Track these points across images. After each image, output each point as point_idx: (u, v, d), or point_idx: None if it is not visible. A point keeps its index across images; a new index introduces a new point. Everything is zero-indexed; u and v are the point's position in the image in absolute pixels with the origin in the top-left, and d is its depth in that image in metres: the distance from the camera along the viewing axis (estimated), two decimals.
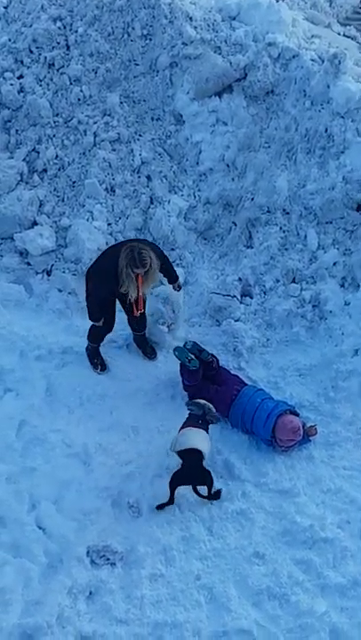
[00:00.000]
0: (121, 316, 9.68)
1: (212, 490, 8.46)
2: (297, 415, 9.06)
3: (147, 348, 9.93)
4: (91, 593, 7.82)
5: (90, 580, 7.86)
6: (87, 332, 9.70)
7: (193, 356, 9.27)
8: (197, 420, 8.66)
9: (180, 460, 8.43)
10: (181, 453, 8.43)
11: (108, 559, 8.04)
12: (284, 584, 7.85)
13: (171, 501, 8.40)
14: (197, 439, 8.47)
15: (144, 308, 9.43)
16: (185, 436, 8.51)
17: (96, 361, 9.76)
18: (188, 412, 8.77)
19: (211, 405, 8.79)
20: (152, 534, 8.24)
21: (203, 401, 8.82)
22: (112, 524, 8.31)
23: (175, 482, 8.39)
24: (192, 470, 8.40)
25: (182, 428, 8.62)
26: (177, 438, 8.53)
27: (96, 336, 9.69)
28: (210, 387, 9.29)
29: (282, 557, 8.07)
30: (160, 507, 8.40)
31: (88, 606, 7.73)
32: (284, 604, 7.76)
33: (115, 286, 8.97)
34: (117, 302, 9.47)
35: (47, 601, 7.66)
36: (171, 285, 9.71)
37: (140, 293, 9.09)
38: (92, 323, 9.51)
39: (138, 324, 9.71)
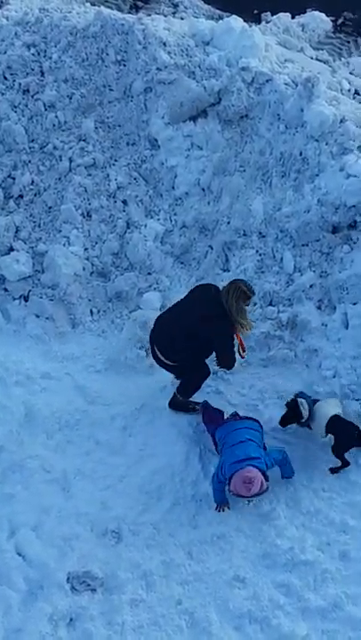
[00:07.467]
0: (100, 341, 9.76)
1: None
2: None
3: None
4: (71, 619, 7.79)
5: (70, 606, 7.83)
6: (186, 387, 9.21)
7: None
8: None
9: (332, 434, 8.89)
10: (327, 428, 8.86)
11: (89, 585, 8.01)
12: (265, 607, 7.84)
13: (346, 463, 8.85)
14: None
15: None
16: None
17: (191, 405, 9.34)
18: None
19: None
20: (132, 559, 8.22)
21: None
22: (92, 549, 8.28)
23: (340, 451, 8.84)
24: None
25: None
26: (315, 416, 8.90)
27: (200, 386, 9.24)
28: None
29: (262, 581, 8.06)
30: (334, 470, 8.87)
31: (69, 633, 7.70)
32: (265, 628, 7.74)
33: None
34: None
35: (27, 628, 7.63)
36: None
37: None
38: (199, 375, 9.11)
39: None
